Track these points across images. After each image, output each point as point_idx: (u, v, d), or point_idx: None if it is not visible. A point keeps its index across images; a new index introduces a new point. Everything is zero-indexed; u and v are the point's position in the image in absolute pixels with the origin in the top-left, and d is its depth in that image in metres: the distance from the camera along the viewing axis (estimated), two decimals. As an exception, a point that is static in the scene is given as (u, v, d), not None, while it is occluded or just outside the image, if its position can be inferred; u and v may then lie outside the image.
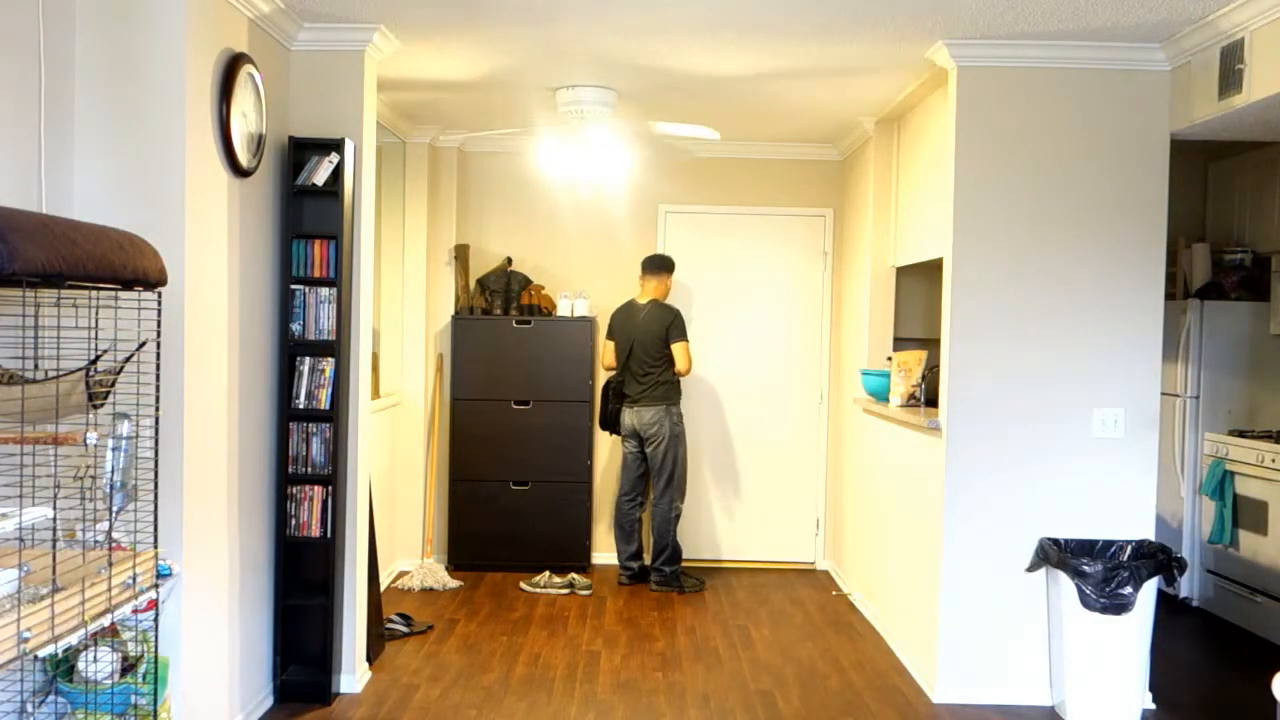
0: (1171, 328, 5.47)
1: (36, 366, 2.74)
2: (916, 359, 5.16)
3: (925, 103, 5.14)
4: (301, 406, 4.18)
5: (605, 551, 6.66)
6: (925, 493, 4.63)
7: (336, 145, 4.18)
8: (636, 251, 6.66)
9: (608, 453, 6.68)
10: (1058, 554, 4.13)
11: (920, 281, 5.81)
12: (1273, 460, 5.20)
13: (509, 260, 6.59)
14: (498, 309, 6.50)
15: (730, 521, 6.75)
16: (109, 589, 2.63)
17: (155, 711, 2.98)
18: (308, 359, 4.17)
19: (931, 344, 5.00)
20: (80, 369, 2.72)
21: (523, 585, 6.07)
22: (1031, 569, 4.30)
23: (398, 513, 6.30)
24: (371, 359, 5.02)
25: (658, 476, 6.11)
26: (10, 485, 2.50)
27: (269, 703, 4.16)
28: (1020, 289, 4.36)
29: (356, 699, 4.29)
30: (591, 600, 5.87)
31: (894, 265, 5.76)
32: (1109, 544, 4.28)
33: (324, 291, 4.18)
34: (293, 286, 4.17)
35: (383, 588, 5.56)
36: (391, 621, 5.19)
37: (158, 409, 2.88)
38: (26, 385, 2.52)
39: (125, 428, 2.73)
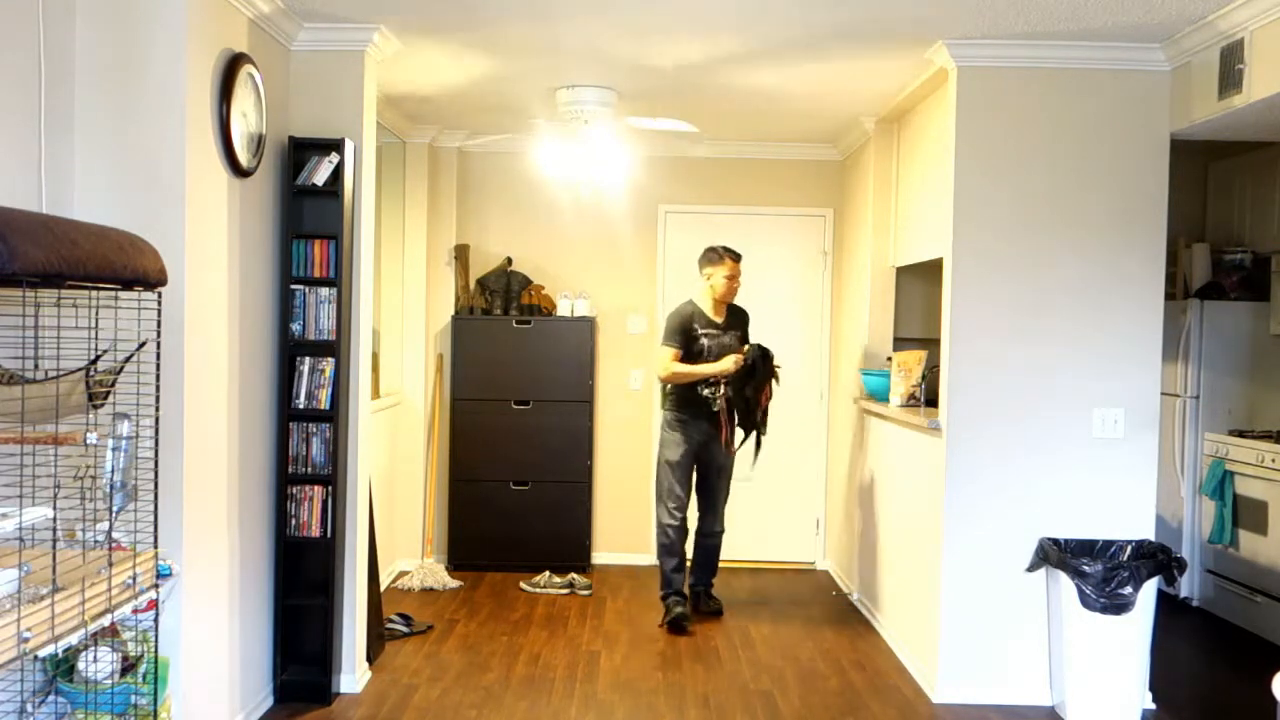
0: (1171, 328, 5.46)
1: (36, 366, 2.73)
2: (916, 359, 5.16)
3: (925, 103, 5.14)
4: (301, 406, 4.17)
5: (605, 551, 6.67)
6: (925, 493, 4.63)
7: (336, 145, 4.18)
8: (636, 251, 6.68)
9: (608, 453, 6.68)
10: (1058, 554, 4.13)
11: (920, 281, 5.81)
12: (1273, 460, 5.20)
13: (509, 260, 6.59)
14: (498, 309, 6.50)
15: (730, 521, 6.74)
16: (109, 589, 2.63)
17: (155, 711, 2.98)
18: (308, 359, 4.17)
19: (931, 344, 5.00)
20: (80, 369, 2.72)
21: (523, 585, 6.07)
22: (1031, 569, 4.30)
23: (398, 513, 6.30)
24: (371, 359, 5.02)
25: None
26: (10, 485, 2.49)
27: (269, 703, 4.16)
28: (1020, 289, 4.36)
29: (356, 699, 4.29)
30: (591, 600, 5.87)
31: (894, 265, 5.77)
32: (1109, 544, 4.28)
33: (324, 291, 4.17)
34: (293, 286, 4.17)
35: (383, 588, 5.56)
36: (391, 621, 5.19)
37: (158, 409, 2.88)
38: (26, 385, 2.52)
39: (125, 428, 2.73)
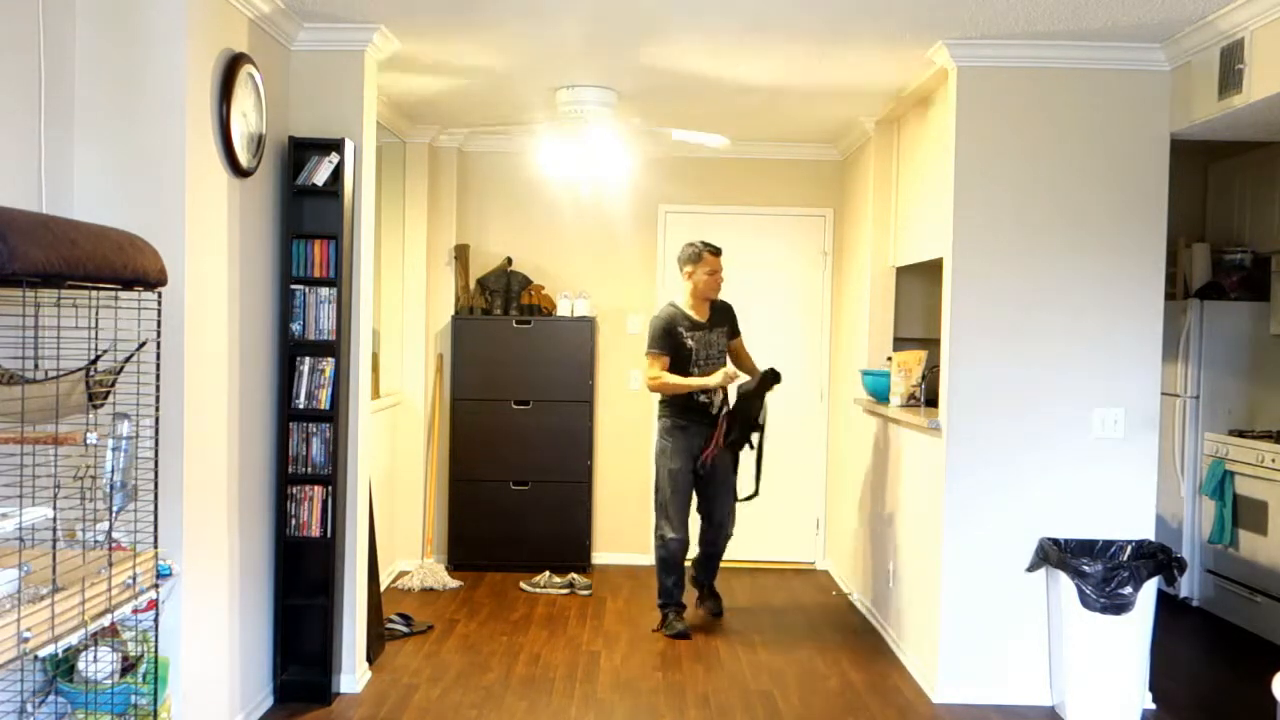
0: (1171, 328, 5.46)
1: (36, 366, 2.74)
2: (916, 359, 5.16)
3: (925, 103, 5.14)
4: (301, 406, 4.17)
5: (605, 551, 6.67)
6: (925, 493, 4.63)
7: (336, 145, 4.18)
8: (636, 251, 6.68)
9: (608, 453, 6.68)
10: (1058, 554, 4.13)
11: (920, 281, 5.80)
12: (1273, 460, 5.20)
13: (509, 260, 6.59)
14: (498, 309, 6.50)
15: (730, 521, 6.75)
16: (109, 589, 2.63)
17: (155, 711, 2.98)
18: (308, 359, 4.17)
19: (931, 344, 5.00)
20: (80, 369, 2.72)
21: (523, 585, 6.07)
22: (1031, 569, 4.29)
23: (398, 513, 6.30)
24: (371, 359, 5.02)
25: None
26: (10, 485, 2.49)
27: (269, 703, 4.16)
28: (1020, 289, 4.36)
29: (356, 699, 4.29)
30: (591, 600, 5.87)
31: (894, 265, 5.76)
32: (1109, 544, 4.28)
33: (324, 291, 4.17)
34: (293, 286, 4.17)
35: (383, 588, 5.55)
36: (391, 621, 5.19)
37: (158, 409, 2.88)
38: (26, 385, 2.51)
39: (125, 428, 2.73)
